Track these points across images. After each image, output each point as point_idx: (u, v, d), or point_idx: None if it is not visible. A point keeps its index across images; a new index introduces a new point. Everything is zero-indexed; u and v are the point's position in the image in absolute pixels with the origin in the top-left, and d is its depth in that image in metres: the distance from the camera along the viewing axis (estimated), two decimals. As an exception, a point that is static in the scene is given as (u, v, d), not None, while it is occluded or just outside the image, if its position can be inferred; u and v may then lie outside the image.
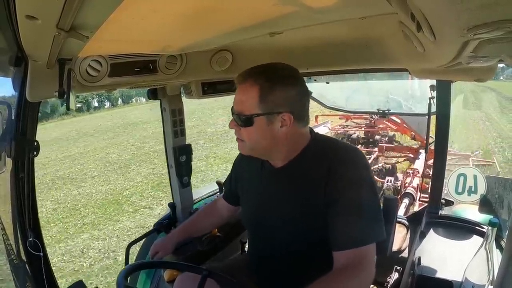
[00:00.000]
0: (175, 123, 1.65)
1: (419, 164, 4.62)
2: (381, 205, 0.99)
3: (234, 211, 1.31)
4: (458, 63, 0.73)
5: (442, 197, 1.70)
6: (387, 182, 4.46)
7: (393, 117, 6.38)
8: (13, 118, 0.95)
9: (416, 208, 3.49)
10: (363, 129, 7.11)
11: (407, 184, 4.09)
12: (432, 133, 1.81)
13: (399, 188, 4.27)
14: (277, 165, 1.03)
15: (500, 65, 1.00)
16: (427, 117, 1.87)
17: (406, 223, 1.72)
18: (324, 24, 0.83)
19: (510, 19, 0.37)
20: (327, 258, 0.92)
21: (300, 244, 0.97)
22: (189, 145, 1.73)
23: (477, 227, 1.46)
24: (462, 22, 0.41)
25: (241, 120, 0.94)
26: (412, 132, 6.18)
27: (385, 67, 1.40)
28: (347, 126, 7.48)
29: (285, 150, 0.99)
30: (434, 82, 1.65)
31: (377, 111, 4.76)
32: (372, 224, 0.91)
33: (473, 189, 1.72)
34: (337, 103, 4.08)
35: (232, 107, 0.98)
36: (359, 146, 6.55)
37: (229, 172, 1.29)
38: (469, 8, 0.36)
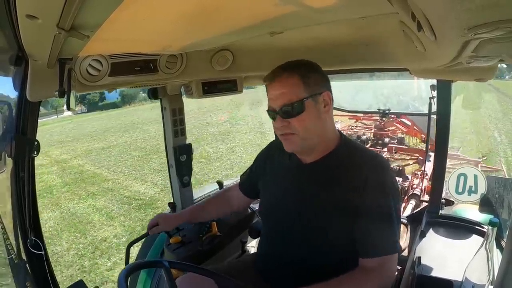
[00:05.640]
0: (175, 122, 1.65)
1: (428, 167, 4.58)
2: None
3: (247, 203, 1.33)
4: (458, 63, 0.73)
5: (443, 196, 1.69)
6: None
7: (403, 119, 6.32)
8: (13, 117, 0.96)
9: (422, 210, 3.47)
10: (372, 130, 7.05)
11: (414, 186, 4.06)
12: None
13: (406, 189, 4.25)
14: (306, 160, 1.03)
15: (504, 66, 1.00)
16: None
17: (406, 222, 1.72)
18: (324, 24, 0.83)
19: (510, 19, 0.37)
20: (342, 259, 0.94)
21: (318, 242, 0.98)
22: (190, 145, 1.73)
23: (477, 227, 1.46)
24: (462, 21, 0.41)
25: (291, 110, 0.93)
26: (422, 135, 6.08)
27: (385, 67, 1.40)
28: (357, 126, 7.45)
29: (326, 139, 1.01)
30: (435, 81, 1.65)
31: (377, 110, 4.75)
32: (396, 233, 0.95)
33: (473, 189, 1.72)
34: (339, 103, 4.07)
35: (270, 107, 0.98)
36: (368, 146, 6.53)
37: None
38: (470, 8, 0.36)
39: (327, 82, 1.01)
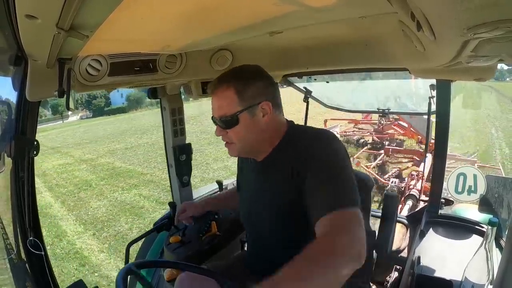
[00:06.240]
0: (175, 122, 1.65)
1: (425, 167, 4.59)
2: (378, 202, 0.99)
3: None
4: (458, 63, 0.73)
5: (442, 196, 1.70)
6: (391, 183, 4.46)
7: (401, 122, 6.35)
8: (13, 117, 0.95)
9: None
10: (371, 134, 7.06)
11: (411, 186, 4.07)
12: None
13: (402, 189, 4.26)
14: (259, 158, 1.06)
15: (505, 67, 1.00)
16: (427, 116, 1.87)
17: (406, 222, 1.72)
18: (324, 23, 0.83)
19: (510, 19, 0.37)
20: None
21: (289, 235, 0.98)
22: (189, 144, 1.73)
23: (476, 227, 1.46)
24: (462, 21, 0.41)
25: (227, 122, 0.98)
26: (418, 136, 6.12)
27: (385, 66, 1.40)
28: (356, 130, 7.48)
29: (268, 140, 1.02)
30: (434, 81, 1.65)
31: (377, 110, 4.75)
32: (348, 189, 0.85)
33: (472, 189, 1.72)
34: (340, 103, 4.06)
35: (212, 117, 1.02)
36: (365, 148, 6.56)
37: None
38: (469, 8, 0.36)
39: (270, 89, 1.01)
